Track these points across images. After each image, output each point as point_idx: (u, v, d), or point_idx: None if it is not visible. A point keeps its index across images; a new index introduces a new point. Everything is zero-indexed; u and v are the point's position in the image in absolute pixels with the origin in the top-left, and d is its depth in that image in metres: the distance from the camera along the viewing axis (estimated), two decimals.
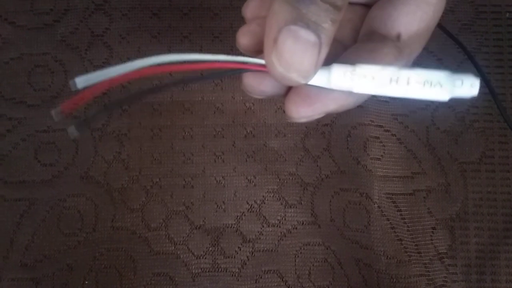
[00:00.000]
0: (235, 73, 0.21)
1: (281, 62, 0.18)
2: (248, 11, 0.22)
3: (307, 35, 0.17)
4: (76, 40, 0.37)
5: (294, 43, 0.17)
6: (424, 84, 0.19)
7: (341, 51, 0.21)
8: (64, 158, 0.36)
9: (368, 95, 0.20)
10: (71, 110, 0.19)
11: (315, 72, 0.19)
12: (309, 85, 0.20)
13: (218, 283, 0.35)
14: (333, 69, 0.19)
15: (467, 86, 0.19)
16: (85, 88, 0.18)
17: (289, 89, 0.21)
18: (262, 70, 0.19)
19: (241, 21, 0.38)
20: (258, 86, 0.21)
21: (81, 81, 0.18)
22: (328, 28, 0.17)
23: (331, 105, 0.20)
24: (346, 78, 0.19)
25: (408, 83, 0.19)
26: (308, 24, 0.17)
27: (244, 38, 0.21)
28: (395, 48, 0.20)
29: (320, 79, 0.19)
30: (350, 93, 0.20)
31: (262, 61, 0.19)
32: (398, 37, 0.20)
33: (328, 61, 0.19)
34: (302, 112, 0.20)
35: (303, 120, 0.21)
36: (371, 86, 0.19)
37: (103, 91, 0.19)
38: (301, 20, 0.17)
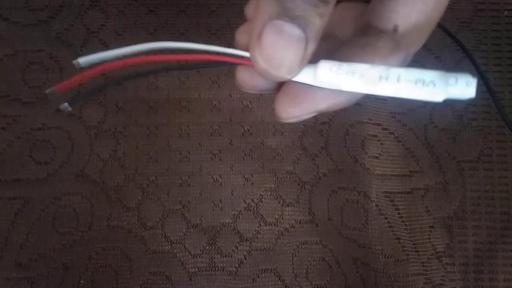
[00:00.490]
0: (226, 64, 0.21)
1: (264, 57, 0.18)
2: (250, 11, 0.22)
3: (292, 30, 0.17)
4: (72, 36, 0.37)
5: (277, 38, 0.17)
6: (416, 83, 0.18)
7: None
8: (59, 156, 0.36)
9: (360, 93, 0.20)
10: (64, 90, 0.20)
11: (301, 68, 0.18)
12: (297, 82, 0.19)
13: (215, 282, 0.35)
14: (319, 65, 0.19)
15: (462, 85, 0.18)
16: (83, 69, 0.19)
17: (282, 84, 0.21)
18: (251, 64, 0.19)
19: (238, 18, 0.37)
20: (250, 80, 0.21)
21: (84, 61, 0.19)
22: (315, 22, 0.17)
23: (321, 105, 0.20)
24: (332, 74, 0.18)
25: (398, 81, 0.18)
26: (293, 19, 0.17)
27: (241, 36, 0.21)
28: (391, 42, 0.20)
29: (306, 76, 0.19)
30: (339, 92, 0.19)
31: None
32: (395, 29, 0.20)
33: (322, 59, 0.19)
34: (291, 112, 0.20)
35: (293, 120, 0.20)
36: (359, 83, 0.18)
37: (96, 74, 0.20)
38: (286, 14, 0.17)
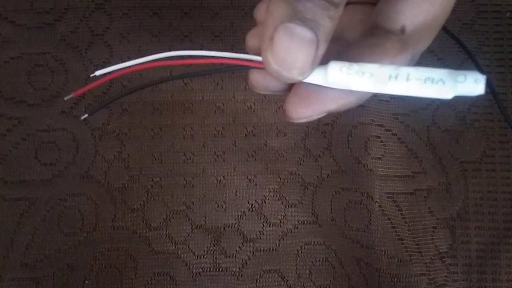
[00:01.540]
0: (236, 69, 0.21)
1: (276, 59, 0.18)
2: (259, 14, 0.23)
3: (303, 32, 0.17)
4: (76, 39, 0.37)
5: (289, 41, 0.17)
6: (425, 81, 0.18)
7: None
8: (64, 158, 0.36)
9: (369, 93, 0.20)
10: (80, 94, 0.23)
11: (312, 69, 0.19)
12: (307, 83, 0.20)
13: (219, 283, 0.35)
14: (329, 66, 0.19)
15: (471, 82, 0.18)
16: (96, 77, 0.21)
17: (293, 85, 0.21)
18: (262, 67, 0.20)
19: (242, 20, 0.38)
20: (263, 81, 0.21)
21: (100, 73, 0.21)
22: (326, 25, 0.17)
23: (331, 105, 0.20)
24: (342, 74, 0.19)
25: (407, 79, 0.18)
26: (304, 21, 0.17)
27: (252, 40, 0.22)
28: (399, 42, 0.20)
29: (317, 77, 0.19)
30: (350, 92, 0.19)
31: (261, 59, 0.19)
32: (403, 30, 0.20)
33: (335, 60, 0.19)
34: (301, 112, 0.20)
35: (303, 120, 0.21)
36: (369, 83, 0.19)
37: (106, 80, 0.21)
38: (297, 17, 0.17)
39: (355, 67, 0.19)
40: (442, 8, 0.20)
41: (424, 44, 0.21)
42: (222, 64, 0.21)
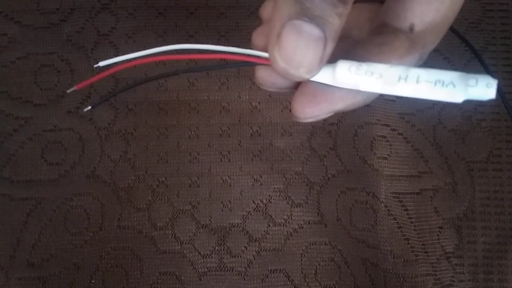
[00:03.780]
0: (242, 65, 0.21)
1: (283, 57, 0.18)
2: (265, 12, 0.22)
3: (311, 30, 0.17)
4: (82, 39, 0.37)
5: (297, 38, 0.17)
6: (435, 84, 0.18)
7: None
8: (70, 158, 0.36)
9: (377, 93, 0.20)
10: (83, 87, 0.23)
11: (320, 67, 0.18)
12: (315, 82, 0.19)
13: (224, 282, 0.35)
14: (338, 65, 0.19)
15: (483, 86, 0.17)
16: (100, 70, 0.22)
17: (300, 82, 0.21)
18: (268, 64, 0.19)
19: (247, 20, 0.38)
20: (269, 78, 0.21)
21: (103, 64, 0.22)
22: (334, 22, 0.17)
23: (338, 104, 0.20)
24: (351, 74, 0.18)
25: (417, 81, 0.18)
26: (312, 19, 0.17)
27: (258, 38, 0.21)
28: (407, 41, 0.20)
29: (325, 76, 0.19)
30: (357, 92, 0.19)
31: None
32: (411, 28, 0.20)
33: (340, 59, 0.19)
34: (308, 112, 0.20)
35: (310, 120, 0.20)
36: (378, 83, 0.18)
37: (111, 74, 0.22)
38: (305, 14, 0.17)
39: (364, 67, 0.18)
40: (451, 6, 0.20)
41: (433, 43, 0.21)
42: (226, 60, 0.21)
